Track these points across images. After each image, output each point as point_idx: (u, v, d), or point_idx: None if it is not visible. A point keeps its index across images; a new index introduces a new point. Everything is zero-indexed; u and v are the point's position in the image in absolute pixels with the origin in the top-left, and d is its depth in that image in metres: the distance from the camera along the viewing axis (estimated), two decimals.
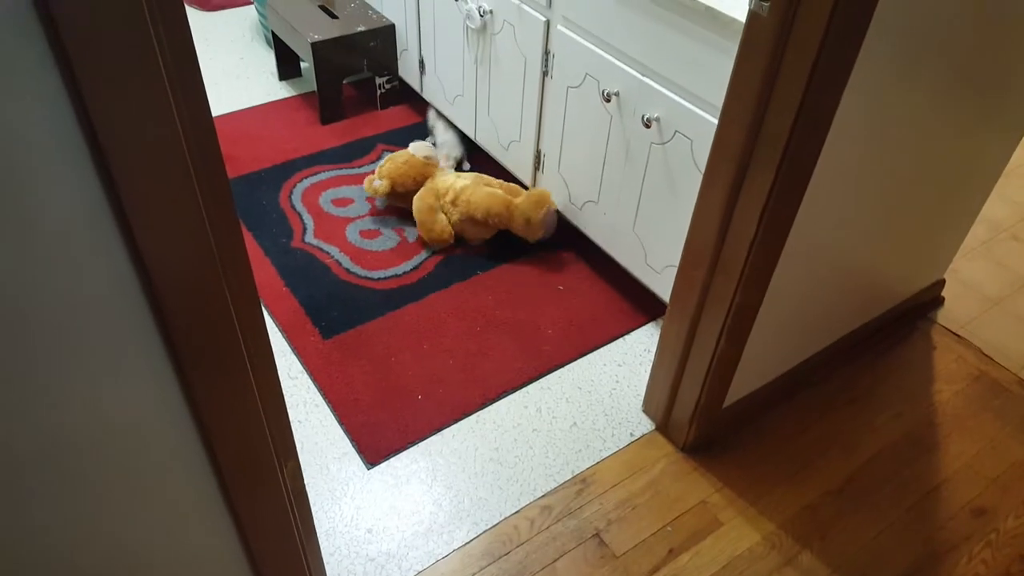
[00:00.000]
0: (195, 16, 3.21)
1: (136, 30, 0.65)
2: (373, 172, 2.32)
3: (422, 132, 2.58)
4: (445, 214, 2.12)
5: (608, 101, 1.74)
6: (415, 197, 2.15)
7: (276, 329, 1.88)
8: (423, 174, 2.18)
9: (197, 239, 0.80)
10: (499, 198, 2.05)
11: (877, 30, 1.10)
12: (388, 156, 2.23)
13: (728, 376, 1.49)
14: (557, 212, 2.10)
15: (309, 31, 2.45)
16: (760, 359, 1.59)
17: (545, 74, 1.93)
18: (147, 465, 0.95)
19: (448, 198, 2.10)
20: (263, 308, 1.93)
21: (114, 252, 0.76)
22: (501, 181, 2.20)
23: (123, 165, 0.70)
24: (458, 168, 2.38)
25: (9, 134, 0.64)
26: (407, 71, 2.60)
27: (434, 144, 2.38)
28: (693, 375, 1.49)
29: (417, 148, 2.20)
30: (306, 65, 2.85)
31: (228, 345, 0.92)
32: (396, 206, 2.26)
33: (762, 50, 1.10)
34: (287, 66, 2.80)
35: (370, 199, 2.29)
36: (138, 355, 0.84)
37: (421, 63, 2.49)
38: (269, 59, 2.92)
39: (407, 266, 2.08)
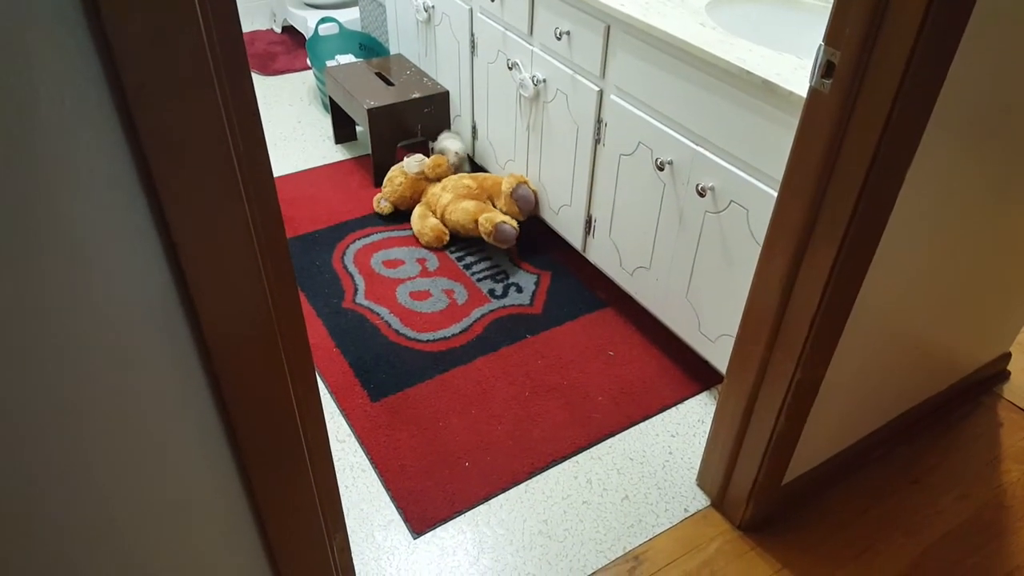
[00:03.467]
0: (255, 80, 3.33)
1: (213, 126, 0.67)
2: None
3: None
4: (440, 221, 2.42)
5: (661, 169, 1.74)
6: (413, 212, 2.47)
7: (325, 391, 1.89)
8: (418, 189, 2.49)
9: (263, 332, 0.81)
10: (470, 214, 2.32)
11: (944, 107, 1.08)
12: (387, 178, 2.51)
13: (788, 454, 1.44)
14: (521, 223, 2.34)
15: (366, 98, 2.52)
16: (820, 435, 1.53)
17: (597, 141, 1.94)
18: (196, 540, 0.94)
19: (438, 213, 2.40)
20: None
21: (179, 332, 0.77)
22: (483, 179, 2.42)
23: (190, 251, 0.72)
24: (458, 170, 2.59)
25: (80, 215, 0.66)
26: (460, 135, 2.65)
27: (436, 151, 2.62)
28: (751, 452, 1.44)
29: (410, 166, 2.46)
30: (361, 129, 2.92)
31: (285, 418, 0.92)
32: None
33: (823, 127, 1.09)
34: (343, 129, 2.88)
35: (420, 260, 2.32)
36: (194, 431, 0.85)
37: (474, 128, 2.54)
38: (326, 123, 3.01)
39: (456, 328, 2.08)
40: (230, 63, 0.68)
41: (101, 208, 0.65)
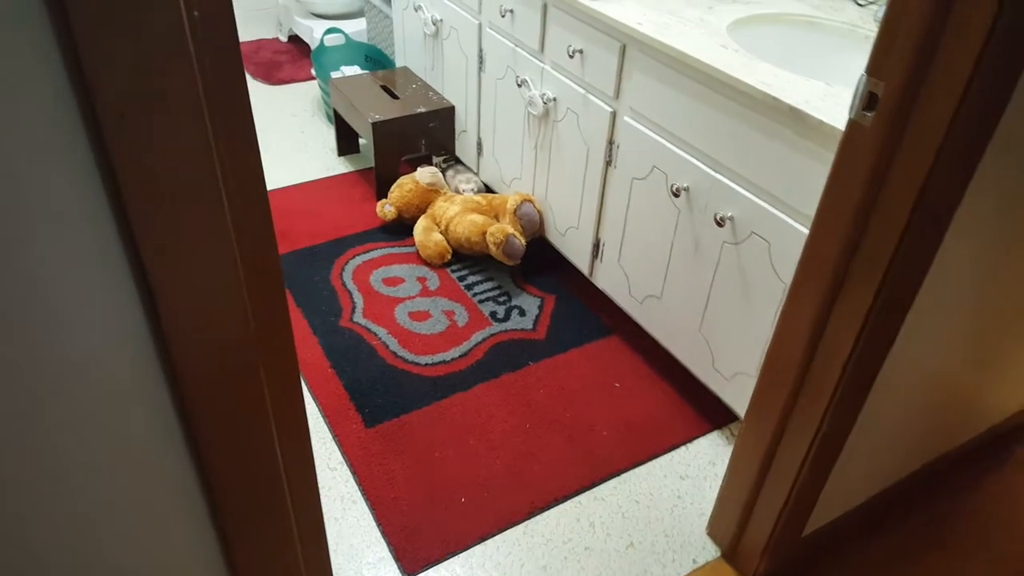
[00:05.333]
0: (259, 89, 3.27)
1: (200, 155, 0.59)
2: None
3: None
4: (444, 237, 2.33)
5: (677, 196, 1.66)
6: (417, 222, 2.37)
7: (318, 414, 1.80)
8: (426, 200, 2.40)
9: (249, 388, 0.72)
10: (477, 227, 2.22)
11: (997, 148, 1.00)
12: (398, 183, 2.42)
13: (809, 507, 1.35)
14: (529, 238, 2.24)
15: (370, 111, 2.45)
16: (844, 486, 1.44)
17: (608, 164, 1.86)
18: None
19: (443, 226, 2.32)
20: (306, 390, 1.85)
21: (150, 371, 0.68)
22: (491, 197, 2.35)
23: (168, 294, 0.63)
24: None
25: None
26: (464, 152, 2.58)
27: (443, 169, 2.57)
28: (769, 503, 1.35)
29: (422, 175, 2.39)
30: (365, 142, 2.85)
31: (268, 480, 0.83)
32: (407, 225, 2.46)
33: (863, 163, 1.00)
34: (346, 142, 2.80)
35: (421, 279, 2.24)
36: (165, 487, 0.76)
37: (479, 145, 2.46)
38: (329, 134, 2.94)
39: (455, 352, 2.00)
40: (224, 91, 0.60)
41: (69, 241, 0.57)
